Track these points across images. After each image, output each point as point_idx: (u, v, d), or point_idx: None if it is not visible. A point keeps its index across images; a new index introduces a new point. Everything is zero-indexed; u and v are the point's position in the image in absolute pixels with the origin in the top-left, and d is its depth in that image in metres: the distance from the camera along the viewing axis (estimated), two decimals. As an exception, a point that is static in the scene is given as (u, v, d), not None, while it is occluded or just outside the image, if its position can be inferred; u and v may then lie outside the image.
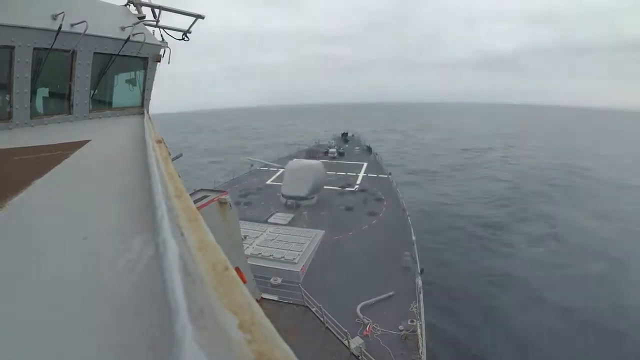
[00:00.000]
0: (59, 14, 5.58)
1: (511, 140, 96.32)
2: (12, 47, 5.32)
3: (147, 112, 8.13)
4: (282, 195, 28.11)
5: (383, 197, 29.39)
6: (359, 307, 14.40)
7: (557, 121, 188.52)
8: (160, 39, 7.91)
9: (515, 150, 78.82)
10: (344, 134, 64.46)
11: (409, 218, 24.25)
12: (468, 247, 28.45)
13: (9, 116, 5.68)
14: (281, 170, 33.04)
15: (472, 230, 31.79)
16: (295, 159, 32.04)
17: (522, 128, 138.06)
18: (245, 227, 20.67)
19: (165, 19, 7.53)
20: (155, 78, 8.20)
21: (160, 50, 7.90)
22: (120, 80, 7.84)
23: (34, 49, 5.58)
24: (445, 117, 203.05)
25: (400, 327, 13.25)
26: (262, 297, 14.53)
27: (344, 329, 12.52)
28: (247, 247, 18.69)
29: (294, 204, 27.10)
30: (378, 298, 15.09)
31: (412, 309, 14.37)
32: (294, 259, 18.16)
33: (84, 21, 5.82)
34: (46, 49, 5.71)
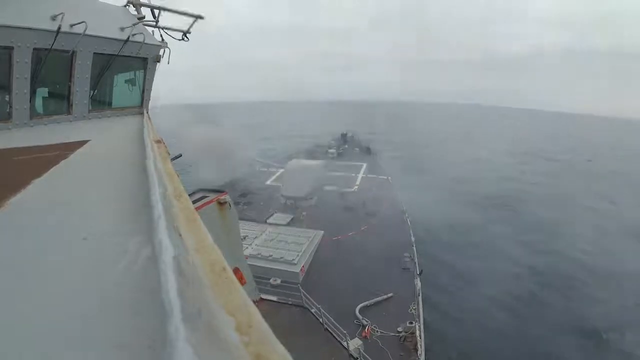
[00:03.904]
0: (59, 14, 5.57)
1: None
2: (12, 48, 5.31)
3: (147, 112, 8.13)
4: (282, 196, 28.11)
5: (382, 198, 29.41)
6: (358, 308, 14.39)
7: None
8: (160, 40, 7.91)
9: None
10: (344, 135, 64.40)
11: (408, 219, 24.25)
12: None
13: (9, 116, 5.67)
14: (281, 170, 33.05)
15: None
16: (294, 160, 32.06)
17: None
18: (245, 228, 20.66)
19: (166, 19, 7.54)
20: (155, 78, 8.20)
21: (159, 51, 7.90)
22: (120, 80, 7.84)
23: (34, 49, 5.57)
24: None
25: (399, 329, 13.25)
26: (261, 298, 14.52)
27: (343, 330, 12.51)
28: (247, 247, 18.69)
29: (293, 205, 27.11)
30: (377, 299, 15.08)
31: (411, 310, 14.38)
32: (293, 259, 18.15)
33: (84, 22, 5.82)
34: (46, 49, 5.70)
